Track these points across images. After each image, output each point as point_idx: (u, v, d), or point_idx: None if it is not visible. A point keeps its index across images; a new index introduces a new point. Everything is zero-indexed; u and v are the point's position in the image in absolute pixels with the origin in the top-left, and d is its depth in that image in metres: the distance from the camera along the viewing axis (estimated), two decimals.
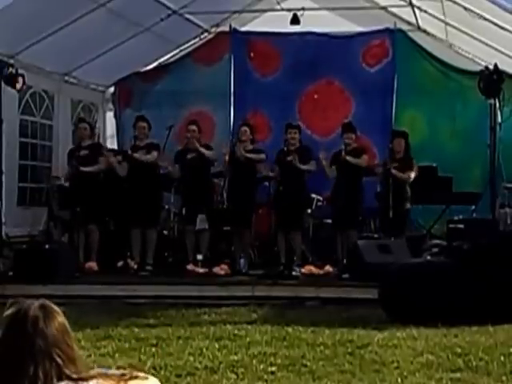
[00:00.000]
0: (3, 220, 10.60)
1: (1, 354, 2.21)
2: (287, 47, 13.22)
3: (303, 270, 10.72)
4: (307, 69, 12.91)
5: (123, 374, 2.28)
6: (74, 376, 2.21)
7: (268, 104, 13.09)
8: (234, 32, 13.25)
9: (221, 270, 10.73)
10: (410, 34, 13.19)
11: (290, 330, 7.28)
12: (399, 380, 5.44)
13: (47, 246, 10.58)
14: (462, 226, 10.86)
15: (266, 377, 5.59)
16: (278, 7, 12.98)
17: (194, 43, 14.01)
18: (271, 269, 10.76)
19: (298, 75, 12.96)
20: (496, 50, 12.08)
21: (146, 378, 2.33)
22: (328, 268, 10.81)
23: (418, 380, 5.47)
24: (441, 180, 11.57)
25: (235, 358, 6.13)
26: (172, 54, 14.08)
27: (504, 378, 5.49)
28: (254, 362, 5.99)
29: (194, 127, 11.24)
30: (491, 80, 10.28)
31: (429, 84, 13.00)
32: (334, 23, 13.20)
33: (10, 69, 10.41)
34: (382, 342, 6.71)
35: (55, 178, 12.20)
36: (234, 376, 5.60)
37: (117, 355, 6.26)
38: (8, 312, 2.27)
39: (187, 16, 12.97)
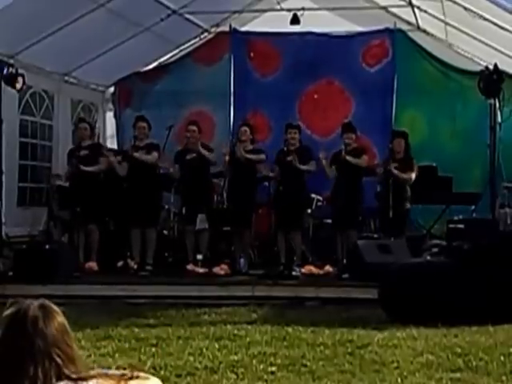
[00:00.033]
0: (3, 220, 10.59)
1: (0, 353, 2.22)
2: (287, 47, 13.22)
3: (303, 270, 10.72)
4: (307, 69, 12.91)
5: (124, 374, 2.28)
6: (74, 376, 2.21)
7: (268, 104, 13.09)
8: (233, 32, 13.25)
9: (221, 270, 10.73)
10: (410, 34, 13.19)
11: (290, 329, 7.28)
12: (399, 380, 5.44)
13: (47, 246, 10.58)
14: (461, 225, 10.85)
15: (265, 377, 5.59)
16: (278, 7, 12.98)
17: (194, 43, 14.01)
18: (271, 269, 10.76)
19: (298, 75, 12.96)
20: (496, 49, 12.08)
21: (148, 378, 2.33)
22: (328, 268, 10.81)
23: (418, 380, 5.47)
24: (441, 180, 11.57)
25: (235, 357, 6.13)
26: (172, 54, 14.07)
27: (504, 377, 5.49)
28: (254, 362, 5.98)
29: (194, 127, 11.24)
30: (491, 80, 10.27)
31: (429, 84, 13.00)
32: (333, 23, 13.20)
33: (10, 69, 10.41)
34: (382, 342, 6.71)
35: (56, 176, 12.19)
36: (233, 376, 5.60)
37: (117, 355, 6.26)
38: (8, 312, 2.27)
39: (187, 16, 12.97)
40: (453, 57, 13.24)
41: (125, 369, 2.40)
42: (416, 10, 12.86)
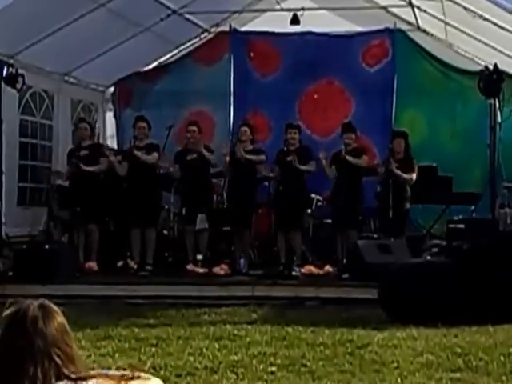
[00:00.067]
0: (3, 220, 10.59)
1: (0, 353, 2.22)
2: (287, 47, 13.22)
3: (303, 270, 10.71)
4: (307, 69, 12.91)
5: (124, 375, 2.28)
6: (73, 376, 2.21)
7: (268, 104, 13.09)
8: (233, 32, 13.25)
9: (221, 269, 10.73)
10: (410, 34, 13.19)
11: (290, 329, 7.28)
12: (399, 380, 5.44)
13: (47, 246, 10.57)
14: (461, 225, 10.85)
15: (265, 377, 5.59)
16: (278, 7, 12.98)
17: (194, 43, 14.01)
18: (271, 269, 10.76)
19: (298, 75, 12.96)
20: (496, 49, 12.08)
21: (149, 379, 2.33)
22: (328, 268, 10.80)
23: (418, 380, 5.47)
24: (441, 180, 11.56)
25: (235, 358, 6.13)
26: (172, 53, 14.07)
27: (504, 377, 5.49)
28: (254, 362, 5.98)
29: (194, 128, 11.24)
30: (491, 80, 10.27)
31: (429, 84, 12.99)
32: (333, 23, 13.19)
33: (10, 69, 10.41)
34: (381, 342, 6.70)
35: (56, 174, 12.16)
36: (233, 376, 5.60)
37: (117, 355, 6.26)
38: (7, 312, 2.27)
39: (187, 16, 12.97)
40: (453, 57, 13.24)
41: (125, 369, 2.40)
42: (416, 10, 12.86)
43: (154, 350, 6.48)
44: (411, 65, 12.96)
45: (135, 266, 10.90)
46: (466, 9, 11.20)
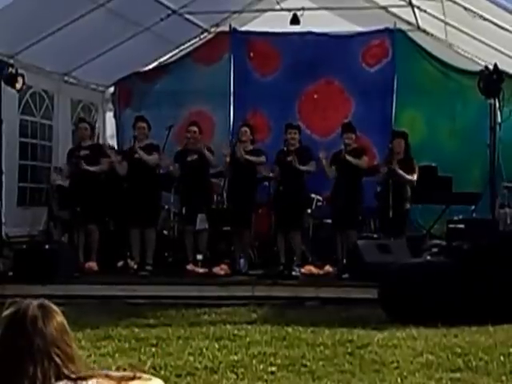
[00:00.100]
0: (3, 220, 10.60)
1: (0, 353, 2.21)
2: (287, 47, 13.21)
3: (303, 270, 10.71)
4: (307, 69, 12.91)
5: (125, 375, 2.28)
6: (73, 376, 2.21)
7: (268, 104, 13.08)
8: (233, 32, 13.25)
9: (221, 270, 10.72)
10: (410, 34, 13.18)
11: (289, 329, 7.28)
12: (399, 380, 5.44)
13: (47, 246, 10.58)
14: (461, 225, 10.85)
15: (265, 377, 5.59)
16: (278, 7, 12.97)
17: (194, 43, 14.01)
18: (271, 269, 10.76)
19: (298, 75, 12.95)
20: (496, 49, 12.07)
21: (150, 379, 2.33)
22: (328, 268, 10.80)
23: (418, 380, 5.47)
24: (441, 180, 11.56)
25: (235, 358, 6.13)
26: (172, 53, 14.07)
27: (504, 377, 5.49)
28: (254, 362, 5.99)
29: (195, 128, 11.24)
30: (491, 80, 10.27)
31: (428, 84, 12.99)
32: (333, 23, 13.19)
33: (10, 69, 10.41)
34: (381, 342, 6.71)
35: (57, 170, 12.14)
36: (233, 376, 5.60)
37: (117, 355, 6.26)
38: (7, 312, 2.27)
39: (187, 16, 12.96)
40: (453, 57, 13.24)
41: (125, 369, 2.41)
42: (416, 10, 12.86)
43: (153, 349, 6.48)
44: (411, 65, 12.96)
45: (135, 266, 10.90)
46: (466, 9, 11.20)
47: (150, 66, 14.09)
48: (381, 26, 12.96)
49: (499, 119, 10.90)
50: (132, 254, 11.07)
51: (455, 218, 11.33)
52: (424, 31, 13.41)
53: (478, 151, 12.10)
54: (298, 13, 12.74)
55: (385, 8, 13.24)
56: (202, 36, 13.93)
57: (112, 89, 14.09)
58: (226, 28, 13.39)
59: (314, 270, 10.80)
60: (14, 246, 10.76)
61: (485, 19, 11.13)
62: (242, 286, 9.77)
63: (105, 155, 11.35)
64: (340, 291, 9.36)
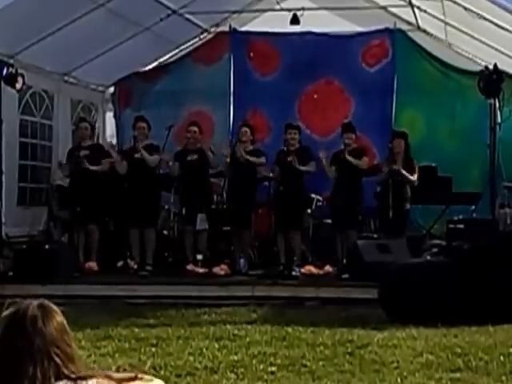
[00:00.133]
0: (3, 220, 10.59)
1: (0, 353, 2.21)
2: (287, 47, 13.21)
3: (303, 270, 10.71)
4: (307, 69, 12.91)
5: (126, 376, 2.28)
6: (73, 376, 2.21)
7: (267, 104, 13.08)
8: (233, 32, 13.25)
9: (221, 270, 10.72)
10: (410, 34, 13.18)
11: (289, 330, 7.28)
12: (399, 380, 5.44)
13: (47, 246, 10.58)
14: (461, 226, 10.85)
15: (265, 377, 5.59)
16: (278, 7, 12.97)
17: (194, 43, 14.01)
18: (271, 269, 10.76)
19: (298, 75, 12.95)
20: (496, 49, 12.07)
21: (151, 380, 2.33)
22: (328, 268, 10.80)
23: (418, 380, 5.47)
24: (440, 180, 11.56)
25: (235, 358, 6.13)
26: (172, 53, 14.07)
27: (504, 377, 5.49)
28: (254, 362, 5.99)
29: (195, 128, 11.24)
30: (491, 80, 10.27)
31: (428, 84, 12.99)
32: (333, 23, 13.19)
33: (10, 69, 10.41)
34: (381, 342, 6.71)
35: (60, 166, 12.11)
36: (233, 376, 5.60)
37: (117, 355, 6.26)
38: (7, 312, 2.27)
39: (187, 16, 12.96)
40: (453, 57, 13.23)
41: (125, 369, 2.41)
42: (416, 10, 12.86)
43: (154, 349, 6.48)
44: (411, 65, 12.96)
45: (135, 266, 10.90)
46: (466, 9, 11.20)
47: (150, 66, 14.09)
48: (381, 26, 12.96)
49: (499, 119, 10.90)
50: (132, 253, 11.07)
51: (455, 218, 11.33)
52: (424, 31, 13.41)
53: (477, 151, 12.10)
54: (298, 13, 12.74)
55: (385, 8, 13.24)
56: (201, 36, 13.93)
57: (112, 89, 14.09)
58: (225, 28, 13.39)
59: (313, 270, 10.80)
60: (14, 246, 10.76)
61: (485, 19, 11.13)
62: (242, 285, 9.77)
63: (105, 155, 11.34)
64: (340, 291, 9.36)
